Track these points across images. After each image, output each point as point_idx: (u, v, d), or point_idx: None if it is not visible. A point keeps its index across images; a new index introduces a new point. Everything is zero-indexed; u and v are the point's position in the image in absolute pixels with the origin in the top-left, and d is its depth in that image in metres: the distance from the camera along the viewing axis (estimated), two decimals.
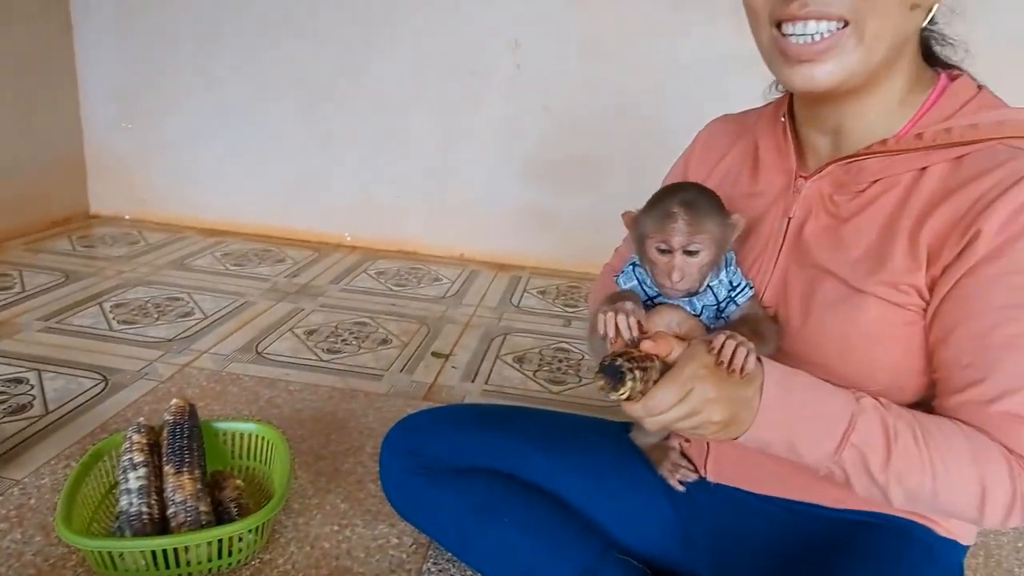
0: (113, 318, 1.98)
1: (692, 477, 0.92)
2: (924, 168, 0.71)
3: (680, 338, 0.71)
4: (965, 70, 0.78)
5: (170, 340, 1.86)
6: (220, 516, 1.09)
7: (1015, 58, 2.06)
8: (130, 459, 1.10)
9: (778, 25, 0.68)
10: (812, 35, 0.66)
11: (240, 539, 1.04)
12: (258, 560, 1.09)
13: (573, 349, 1.99)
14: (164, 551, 0.99)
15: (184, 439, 1.12)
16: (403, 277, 2.51)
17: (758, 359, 0.69)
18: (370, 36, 2.59)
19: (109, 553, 0.98)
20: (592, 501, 0.98)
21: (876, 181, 0.73)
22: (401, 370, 1.79)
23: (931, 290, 0.69)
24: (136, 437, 1.13)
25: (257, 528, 1.05)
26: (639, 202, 0.80)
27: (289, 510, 1.22)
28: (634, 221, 0.77)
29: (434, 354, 1.90)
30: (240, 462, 1.26)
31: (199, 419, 1.19)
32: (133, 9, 2.71)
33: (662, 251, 0.73)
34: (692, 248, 0.71)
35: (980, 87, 0.75)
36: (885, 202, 0.73)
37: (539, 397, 1.71)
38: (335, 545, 1.14)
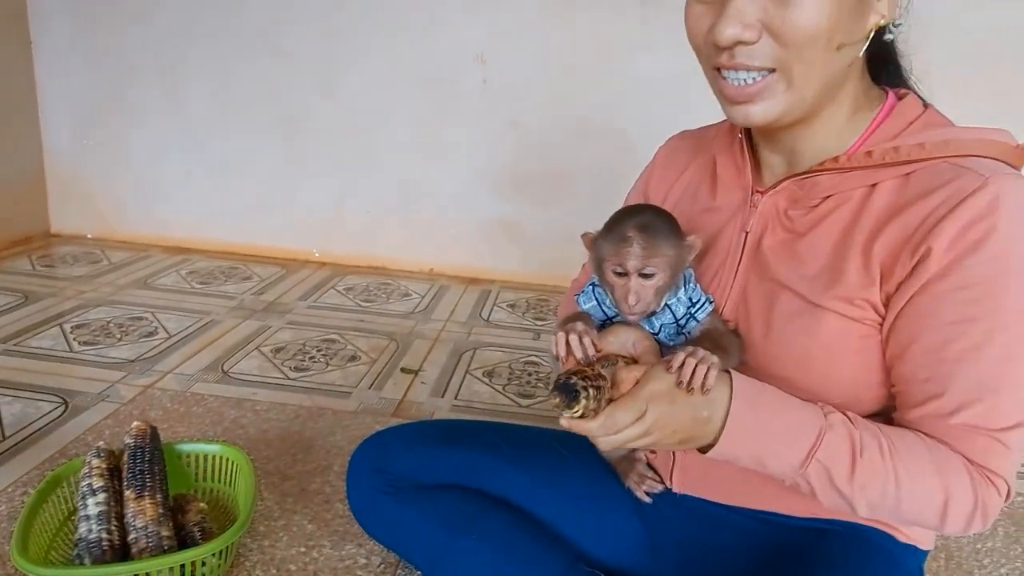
0: (74, 339, 1.94)
1: (658, 488, 0.93)
2: (874, 185, 0.73)
3: (633, 357, 0.72)
4: (912, 89, 0.81)
5: (133, 361, 1.82)
6: (183, 541, 1.07)
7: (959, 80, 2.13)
8: (89, 484, 1.07)
9: (717, 67, 0.71)
10: (744, 79, 0.69)
11: (203, 564, 1.02)
12: None
13: (543, 362, 2.00)
14: None
15: (145, 462, 1.10)
16: (372, 293, 2.50)
17: (727, 372, 0.71)
18: (338, 52, 2.59)
19: None
20: (560, 514, 0.98)
21: (829, 197, 0.75)
22: (370, 387, 1.78)
23: (886, 305, 0.71)
24: (95, 462, 1.10)
25: (221, 552, 1.03)
26: (609, 215, 0.81)
27: (255, 532, 1.20)
28: (592, 243, 0.78)
29: (403, 370, 1.89)
30: (204, 485, 1.23)
31: (161, 441, 1.17)
32: (95, 24, 2.68)
33: (618, 274, 0.74)
34: (647, 272, 0.72)
35: (926, 106, 0.77)
36: (838, 217, 0.74)
37: (509, 411, 1.71)
38: (302, 567, 1.13)
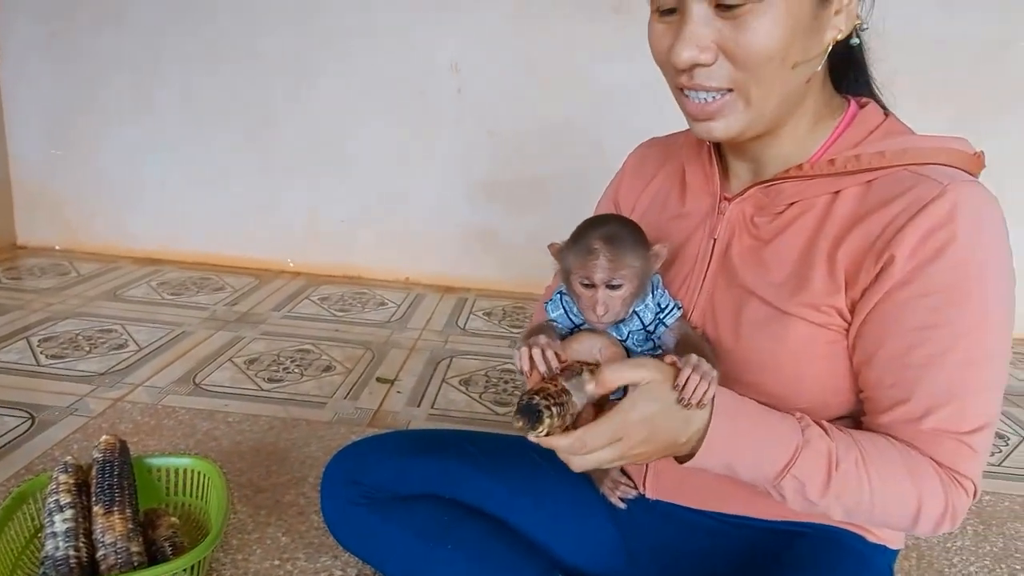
0: (41, 352, 1.90)
1: (632, 494, 0.93)
2: (838, 192, 0.75)
3: (597, 364, 0.73)
4: (875, 96, 0.83)
5: (102, 374, 1.79)
6: (154, 556, 1.05)
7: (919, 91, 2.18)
8: (56, 501, 1.05)
9: (679, 86, 0.73)
10: (704, 98, 0.71)
11: None
12: None
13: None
14: None
15: (114, 477, 1.08)
16: (347, 302, 2.49)
17: None
18: (311, 61, 2.58)
19: None
20: (535, 522, 0.98)
21: (793, 204, 0.77)
22: (345, 397, 1.77)
23: (852, 312, 0.73)
24: (63, 477, 1.08)
25: (192, 567, 1.01)
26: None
27: (227, 546, 1.18)
28: (559, 254, 0.79)
29: (379, 379, 1.88)
30: (175, 499, 1.21)
31: (130, 455, 1.15)
32: (63, 31, 2.64)
33: (586, 285, 0.74)
34: (615, 283, 0.73)
35: (887, 114, 0.79)
36: (803, 225, 0.76)
37: (485, 419, 1.71)
38: None
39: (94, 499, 1.07)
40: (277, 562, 1.15)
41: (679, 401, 0.67)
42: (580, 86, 2.49)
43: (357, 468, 1.00)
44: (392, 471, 0.99)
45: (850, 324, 0.73)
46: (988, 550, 1.35)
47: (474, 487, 0.98)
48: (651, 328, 0.77)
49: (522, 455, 1.02)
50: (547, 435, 0.65)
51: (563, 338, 0.78)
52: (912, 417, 0.70)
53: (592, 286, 0.74)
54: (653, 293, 0.78)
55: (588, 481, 0.97)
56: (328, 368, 1.93)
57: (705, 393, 0.67)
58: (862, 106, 0.79)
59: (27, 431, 1.50)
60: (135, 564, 1.00)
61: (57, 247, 2.85)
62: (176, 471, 1.21)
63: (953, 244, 0.67)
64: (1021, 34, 2.32)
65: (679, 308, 0.79)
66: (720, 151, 0.86)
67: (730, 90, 0.70)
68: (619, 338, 0.78)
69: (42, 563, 1.02)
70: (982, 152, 0.76)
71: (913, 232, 0.67)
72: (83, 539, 1.02)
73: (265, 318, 2.28)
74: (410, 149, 2.63)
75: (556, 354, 0.73)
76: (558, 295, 0.81)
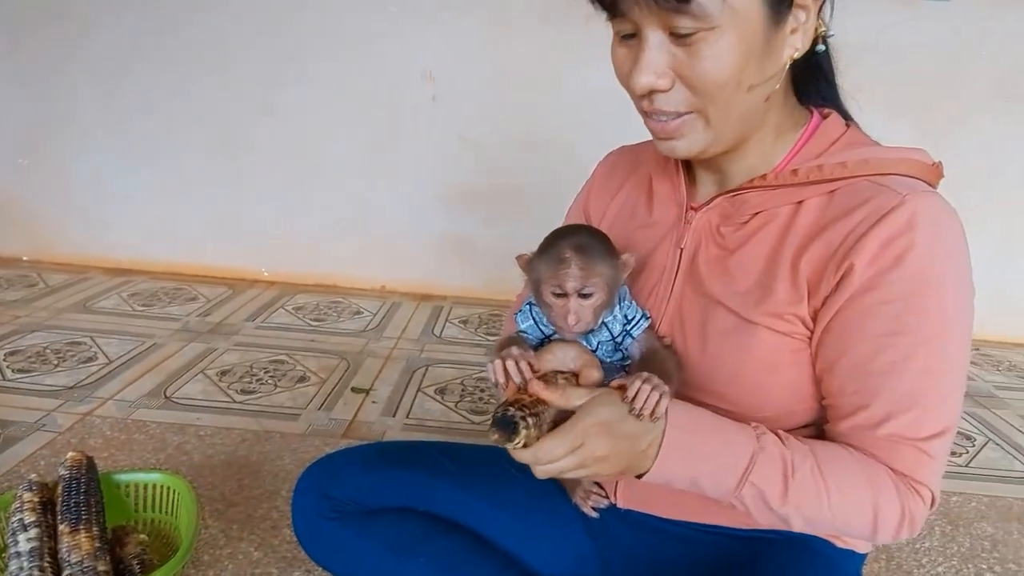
0: (7, 366, 1.86)
1: (604, 503, 0.93)
2: (801, 202, 0.76)
3: (575, 372, 0.73)
4: (838, 106, 0.84)
5: (71, 388, 1.76)
6: (121, 574, 1.03)
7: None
8: (20, 520, 1.03)
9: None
10: (664, 119, 0.72)
11: None
12: None
13: None
14: None
15: (81, 494, 1.06)
16: (323, 311, 2.47)
17: None
18: (282, 69, 2.56)
19: None
20: (509, 534, 0.98)
21: (757, 213, 0.78)
22: (319, 408, 1.75)
23: (814, 320, 0.74)
24: (27, 496, 1.06)
25: None
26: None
27: (198, 562, 1.17)
28: (527, 264, 0.79)
29: (354, 389, 1.87)
30: (144, 515, 1.20)
31: (98, 472, 1.13)
32: (30, 43, 2.60)
33: (557, 295, 0.74)
34: (586, 291, 0.73)
35: (848, 124, 0.80)
36: (767, 234, 0.77)
37: (461, 428, 1.70)
38: None
39: (60, 517, 1.05)
40: None
41: (631, 412, 0.68)
42: (555, 94, 2.50)
43: (328, 481, 0.99)
44: (363, 484, 0.98)
45: (813, 332, 0.74)
46: (955, 550, 1.37)
47: (447, 499, 0.98)
48: (619, 339, 0.78)
49: (495, 466, 1.01)
50: (524, 446, 0.65)
51: (534, 349, 0.78)
52: (871, 423, 0.71)
53: (564, 295, 0.74)
54: (620, 304, 0.78)
55: (561, 491, 0.98)
56: (302, 379, 1.91)
57: (657, 404, 0.68)
58: (825, 117, 0.81)
59: None
60: None
61: (25, 258, 2.80)
62: (145, 487, 1.20)
63: (912, 252, 0.68)
64: (983, 44, 2.37)
65: (647, 319, 0.80)
66: (687, 161, 0.87)
67: (690, 112, 0.71)
68: (589, 348, 0.78)
69: None
70: (940, 163, 0.78)
71: (872, 241, 0.68)
72: (48, 559, 1.00)
73: (239, 329, 2.25)
74: (385, 157, 2.63)
75: (530, 364, 0.73)
76: (527, 306, 0.81)
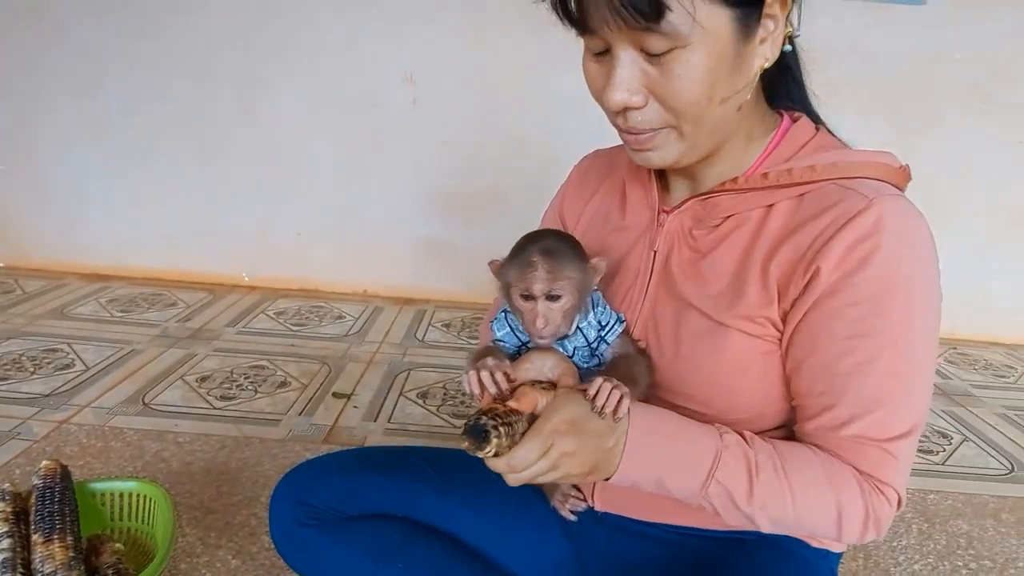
0: None
1: (582, 506, 0.93)
2: (771, 205, 0.76)
3: (552, 383, 0.73)
4: (809, 109, 0.85)
5: (47, 395, 1.74)
6: None
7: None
8: None
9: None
10: (637, 134, 0.72)
11: None
12: None
13: None
14: None
15: (54, 504, 1.05)
16: (304, 316, 2.46)
17: None
18: (261, 74, 2.55)
19: None
20: (488, 539, 0.98)
21: (729, 217, 0.78)
22: (300, 413, 1.74)
23: (784, 322, 0.74)
24: (0, 505, 1.05)
25: None
26: None
27: (175, 571, 1.16)
28: (499, 270, 0.79)
29: (335, 395, 1.86)
30: (120, 524, 1.18)
31: (72, 481, 1.12)
32: (5, 43, 2.56)
33: (526, 298, 0.75)
34: (554, 294, 0.74)
35: (818, 128, 0.81)
36: (738, 237, 0.77)
37: (443, 432, 1.70)
38: None
39: (33, 527, 1.04)
40: None
41: (593, 410, 0.68)
42: (536, 97, 2.51)
43: (304, 488, 0.98)
44: (341, 490, 0.98)
45: (783, 334, 0.75)
46: (932, 548, 1.39)
47: (425, 504, 0.97)
48: (594, 345, 0.78)
49: (473, 471, 1.00)
50: (495, 455, 0.65)
51: (512, 358, 0.78)
52: (836, 424, 0.72)
53: (532, 299, 0.74)
54: (594, 310, 0.78)
55: (539, 496, 0.98)
56: (283, 384, 1.90)
57: (619, 403, 0.68)
58: (795, 120, 0.82)
59: None
60: None
61: (1, 264, 2.77)
62: (121, 495, 1.19)
63: (877, 254, 0.69)
64: (957, 46, 2.41)
65: (621, 323, 0.80)
66: None
67: (664, 127, 0.71)
68: (566, 355, 0.79)
69: None
70: (908, 166, 0.79)
71: (839, 244, 0.69)
72: (21, 570, 0.99)
73: (219, 334, 2.24)
74: (366, 161, 2.62)
75: (505, 374, 0.73)
76: (503, 313, 0.81)
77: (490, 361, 0.74)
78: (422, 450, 1.07)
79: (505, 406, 0.67)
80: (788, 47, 0.76)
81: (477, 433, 0.63)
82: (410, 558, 0.95)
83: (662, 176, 0.87)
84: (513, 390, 0.72)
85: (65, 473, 1.11)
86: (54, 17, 2.52)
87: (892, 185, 0.75)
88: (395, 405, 1.82)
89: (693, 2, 0.63)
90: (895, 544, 1.39)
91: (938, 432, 1.89)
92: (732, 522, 0.74)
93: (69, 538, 1.03)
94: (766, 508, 0.71)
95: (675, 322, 0.80)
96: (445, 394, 1.90)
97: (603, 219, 0.92)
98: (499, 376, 0.72)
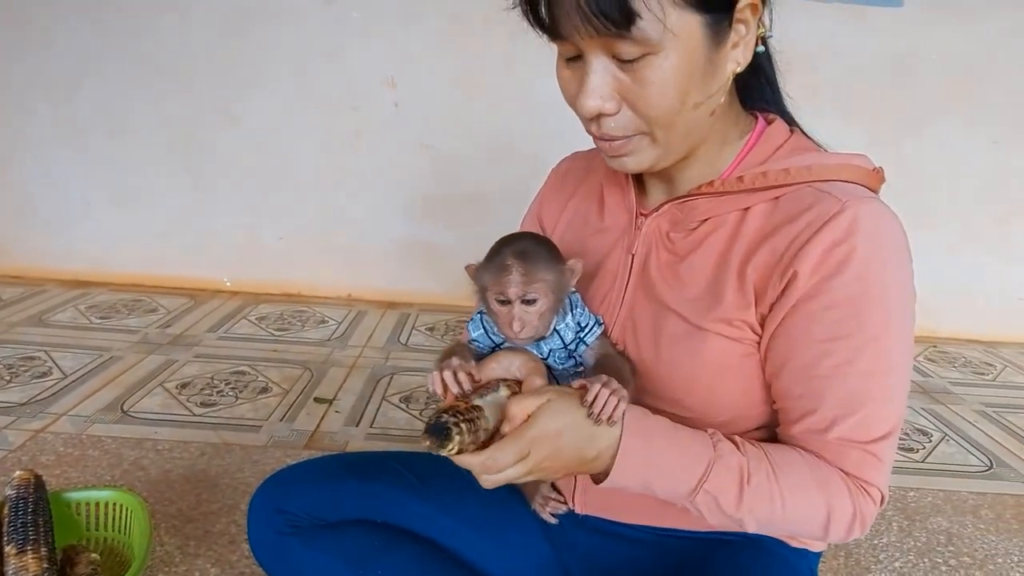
0: None
1: (563, 509, 0.93)
2: (747, 208, 0.77)
3: (518, 381, 0.73)
4: (783, 110, 0.85)
5: (23, 404, 1.72)
6: None
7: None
8: None
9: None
10: (611, 141, 0.72)
11: None
12: None
13: None
14: None
15: (28, 515, 1.04)
16: (287, 321, 2.44)
17: None
18: (245, 77, 2.53)
19: None
20: (468, 543, 0.97)
21: (706, 220, 0.78)
22: (281, 419, 1.73)
23: (762, 325, 0.75)
24: None
25: None
26: None
27: None
28: (475, 274, 0.79)
29: (317, 400, 1.85)
30: (96, 534, 1.17)
31: (47, 490, 1.10)
32: None
33: (501, 302, 0.74)
34: (529, 297, 0.73)
35: (792, 130, 0.82)
36: (715, 240, 0.77)
37: None
38: None
39: (6, 539, 1.02)
40: None
41: (589, 416, 0.68)
42: (518, 100, 2.51)
43: (282, 496, 0.97)
44: (319, 497, 0.97)
45: (761, 337, 0.75)
46: (912, 545, 1.40)
47: (404, 509, 0.97)
48: (572, 347, 0.78)
49: (452, 474, 1.00)
50: (459, 452, 0.64)
51: (481, 359, 0.78)
52: (820, 427, 0.72)
53: (507, 302, 0.74)
54: (572, 312, 0.78)
55: (519, 499, 0.97)
56: (264, 390, 1.89)
57: (615, 409, 0.68)
58: (769, 122, 0.82)
59: None
60: None
61: None
62: (97, 504, 1.17)
63: (853, 258, 0.69)
64: (934, 48, 2.43)
65: (600, 325, 0.80)
66: None
67: (637, 133, 0.71)
68: (540, 356, 0.78)
69: None
70: (881, 168, 0.79)
71: (815, 248, 0.70)
72: None
73: (199, 340, 2.22)
74: (348, 164, 2.61)
75: (469, 374, 0.73)
76: (478, 315, 0.81)
77: (454, 361, 0.73)
78: (401, 455, 1.06)
79: (467, 403, 0.67)
80: (761, 48, 0.76)
81: (438, 431, 0.63)
82: (388, 563, 0.94)
83: (639, 179, 0.87)
84: (476, 388, 0.72)
85: (39, 483, 1.09)
86: (35, 23, 2.49)
87: (866, 187, 0.76)
88: (378, 409, 1.81)
89: (663, 8, 0.63)
90: (876, 542, 1.40)
91: (918, 430, 1.91)
92: (715, 523, 0.74)
93: (43, 549, 1.01)
94: (755, 512, 0.72)
95: (653, 325, 0.80)
96: (428, 398, 1.90)
97: (582, 222, 0.92)
98: (462, 376, 0.72)
